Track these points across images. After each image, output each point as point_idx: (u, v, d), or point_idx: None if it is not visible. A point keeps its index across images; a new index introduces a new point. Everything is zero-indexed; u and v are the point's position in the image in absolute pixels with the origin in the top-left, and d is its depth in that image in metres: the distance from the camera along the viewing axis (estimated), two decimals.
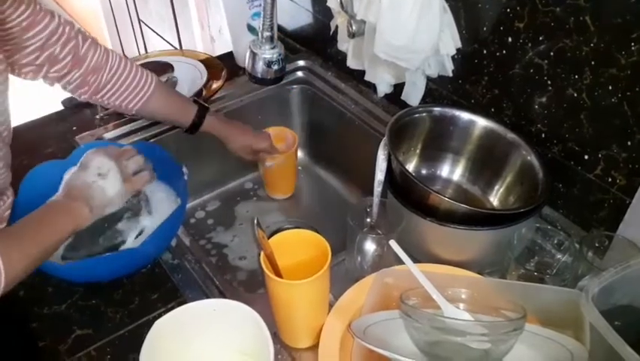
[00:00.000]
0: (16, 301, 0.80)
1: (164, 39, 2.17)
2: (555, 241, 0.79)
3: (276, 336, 0.74)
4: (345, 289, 0.75)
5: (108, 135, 1.09)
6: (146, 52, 2.28)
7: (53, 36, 0.85)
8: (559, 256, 0.80)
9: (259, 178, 1.23)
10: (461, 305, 0.69)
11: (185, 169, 0.92)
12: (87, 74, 0.90)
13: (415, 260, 0.72)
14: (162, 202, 0.90)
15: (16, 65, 0.85)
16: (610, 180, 0.80)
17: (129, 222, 0.87)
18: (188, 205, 1.17)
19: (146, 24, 2.28)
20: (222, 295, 0.79)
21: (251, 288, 1.03)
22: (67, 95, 1.00)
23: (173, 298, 0.80)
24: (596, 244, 0.77)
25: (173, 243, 0.87)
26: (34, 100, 1.79)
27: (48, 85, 0.92)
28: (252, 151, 1.06)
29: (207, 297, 0.78)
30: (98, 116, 1.11)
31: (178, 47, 2.07)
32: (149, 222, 0.88)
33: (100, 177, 0.78)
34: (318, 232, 0.72)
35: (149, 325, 0.65)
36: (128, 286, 0.82)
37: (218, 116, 1.04)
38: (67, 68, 0.89)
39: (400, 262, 0.72)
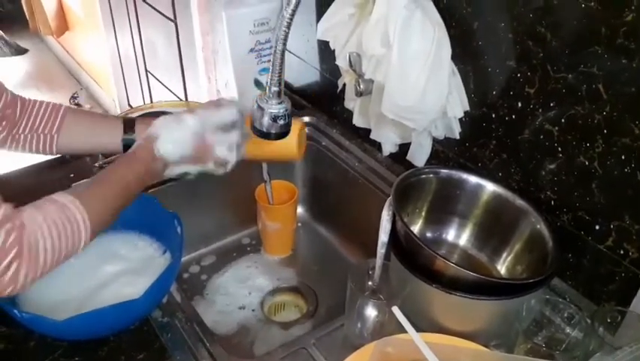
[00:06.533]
0: None
1: (170, 90, 2.18)
2: (565, 315, 0.76)
3: None
4: (344, 357, 0.71)
5: None
6: (152, 102, 2.30)
7: None
8: (569, 330, 0.76)
9: (257, 233, 1.20)
10: None
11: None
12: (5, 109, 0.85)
13: (418, 328, 0.69)
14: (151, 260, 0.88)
15: None
16: (622, 252, 0.77)
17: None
18: (182, 259, 1.14)
19: (153, 75, 2.31)
20: (213, 359, 0.75)
21: (246, 344, 0.99)
22: None
23: (161, 359, 0.76)
24: (608, 320, 0.73)
25: (164, 300, 0.83)
26: None
27: None
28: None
29: (197, 360, 0.74)
30: (97, 164, 1.08)
31: (184, 98, 2.08)
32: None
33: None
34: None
35: None
36: (114, 343, 0.78)
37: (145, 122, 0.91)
38: None
39: (403, 329, 0.68)
